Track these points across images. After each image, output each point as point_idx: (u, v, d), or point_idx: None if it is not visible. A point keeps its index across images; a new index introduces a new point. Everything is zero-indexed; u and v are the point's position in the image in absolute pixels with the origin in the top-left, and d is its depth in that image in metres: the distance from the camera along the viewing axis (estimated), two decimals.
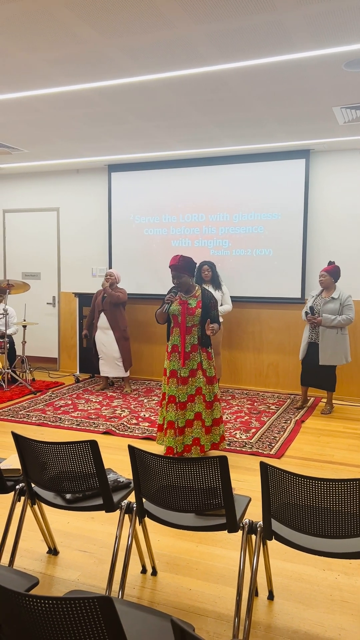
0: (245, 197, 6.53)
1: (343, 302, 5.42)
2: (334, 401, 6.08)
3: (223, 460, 2.20)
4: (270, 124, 5.15)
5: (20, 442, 2.54)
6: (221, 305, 6.05)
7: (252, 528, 2.33)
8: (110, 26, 3.12)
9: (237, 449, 4.58)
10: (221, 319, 5.61)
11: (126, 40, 3.30)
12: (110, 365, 6.44)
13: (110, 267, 7.30)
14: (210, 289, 5.91)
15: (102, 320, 6.42)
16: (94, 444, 2.38)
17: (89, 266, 7.56)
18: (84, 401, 6.07)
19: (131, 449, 2.37)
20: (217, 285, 6.05)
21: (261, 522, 2.33)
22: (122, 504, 2.55)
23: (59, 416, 5.48)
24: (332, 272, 5.50)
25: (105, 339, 6.42)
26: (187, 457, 4.05)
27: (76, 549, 3.02)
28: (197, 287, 4.20)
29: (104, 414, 5.58)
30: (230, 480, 2.23)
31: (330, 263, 5.54)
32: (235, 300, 6.45)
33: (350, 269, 6.23)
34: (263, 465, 2.15)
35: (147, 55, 3.52)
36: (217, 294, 5.99)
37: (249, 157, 6.44)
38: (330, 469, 4.16)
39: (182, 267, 4.04)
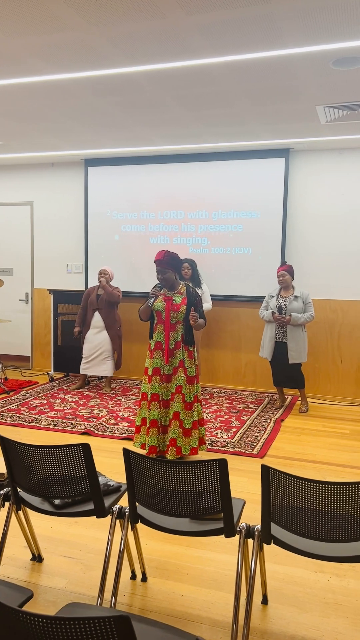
0: (225, 195, 6.49)
1: (305, 300, 5.52)
2: (310, 400, 6.11)
3: (222, 464, 2.13)
4: (253, 122, 5.11)
5: (7, 445, 2.42)
6: None
7: (249, 532, 2.28)
8: (98, 13, 3.01)
9: (220, 448, 4.53)
10: None
11: (113, 29, 3.19)
12: (97, 364, 6.28)
13: (86, 264, 7.15)
14: None
15: (97, 319, 6.25)
16: (86, 447, 2.28)
17: (64, 262, 7.39)
18: (59, 401, 5.92)
19: (126, 452, 2.28)
20: (197, 284, 5.99)
21: (258, 526, 2.28)
22: (114, 508, 2.46)
23: (34, 416, 5.32)
24: (290, 271, 5.59)
25: (98, 338, 6.25)
26: (167, 457, 3.98)
27: (61, 555, 2.91)
28: (181, 284, 4.13)
29: (81, 413, 5.45)
30: (229, 484, 2.17)
31: (284, 263, 5.62)
32: (213, 298, 6.40)
33: (329, 269, 6.27)
34: (264, 468, 2.10)
35: (134, 45, 3.42)
36: None
37: (229, 154, 6.39)
38: (313, 469, 4.15)
39: (167, 262, 3.97)
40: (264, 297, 5.95)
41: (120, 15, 3.03)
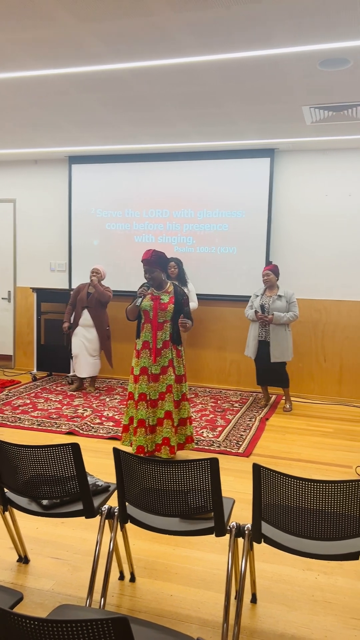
0: (210, 194, 6.48)
1: (289, 300, 5.56)
2: (294, 399, 6.15)
3: (214, 463, 2.13)
4: (240, 121, 5.12)
5: None
6: None
7: (240, 531, 2.27)
8: (86, 9, 2.98)
9: (205, 447, 4.52)
10: None
11: (101, 25, 3.16)
12: (85, 364, 6.21)
13: (70, 262, 7.09)
14: None
15: (85, 317, 6.16)
16: (75, 447, 2.26)
17: (47, 260, 7.32)
18: (43, 400, 5.86)
19: (116, 452, 2.26)
20: (183, 283, 5.98)
21: (248, 525, 2.28)
22: (102, 509, 2.43)
23: (17, 416, 5.26)
24: (275, 271, 5.62)
25: (87, 337, 6.18)
26: (158, 457, 3.97)
27: (48, 557, 2.87)
28: (169, 283, 4.12)
29: (65, 413, 5.40)
30: (220, 483, 2.16)
31: (269, 263, 5.66)
32: (198, 297, 6.38)
33: (313, 269, 6.30)
34: (256, 467, 2.10)
35: (121, 42, 3.40)
36: None
37: (214, 154, 6.39)
38: (298, 467, 4.17)
39: (154, 261, 3.95)
40: (249, 297, 5.97)
41: (109, 12, 3.00)
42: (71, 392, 6.22)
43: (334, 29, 3.17)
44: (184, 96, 4.41)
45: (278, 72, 3.83)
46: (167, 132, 5.59)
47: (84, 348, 6.17)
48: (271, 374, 5.67)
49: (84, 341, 6.17)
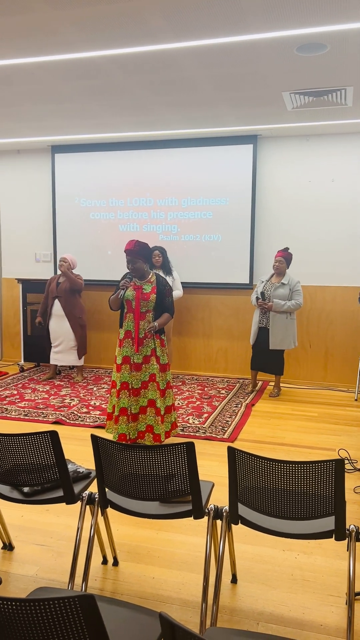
0: (194, 181, 6.48)
1: (292, 288, 5.53)
2: (281, 384, 6.20)
3: (190, 447, 2.16)
4: (220, 108, 5.11)
5: None
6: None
7: (217, 513, 2.32)
8: None
9: (191, 434, 4.57)
10: None
11: (76, 12, 3.14)
12: (65, 353, 6.25)
13: (55, 252, 7.07)
14: (161, 274, 5.84)
15: (57, 307, 6.19)
16: (54, 435, 2.28)
17: (33, 251, 7.30)
18: (30, 391, 5.88)
19: (94, 439, 2.29)
20: (168, 271, 5.99)
21: (226, 507, 2.32)
22: (83, 495, 2.47)
23: (5, 407, 5.28)
24: (287, 258, 5.59)
25: (60, 327, 6.20)
26: (141, 444, 4.01)
27: (32, 543, 2.91)
28: (151, 273, 4.13)
29: (52, 403, 5.42)
30: (197, 466, 2.20)
31: (285, 249, 5.62)
32: (184, 286, 6.41)
33: (296, 255, 6.33)
34: (230, 450, 2.13)
35: (97, 29, 3.38)
36: (167, 280, 5.93)
37: (197, 141, 6.38)
38: (282, 451, 4.22)
39: (137, 252, 3.96)
40: (234, 284, 5.99)
41: None
42: (44, 381, 6.28)
43: (308, 15, 3.17)
44: (162, 83, 4.39)
45: (254, 58, 3.82)
46: (147, 120, 5.57)
47: (61, 338, 6.20)
48: (267, 360, 5.67)
49: (59, 331, 6.20)
